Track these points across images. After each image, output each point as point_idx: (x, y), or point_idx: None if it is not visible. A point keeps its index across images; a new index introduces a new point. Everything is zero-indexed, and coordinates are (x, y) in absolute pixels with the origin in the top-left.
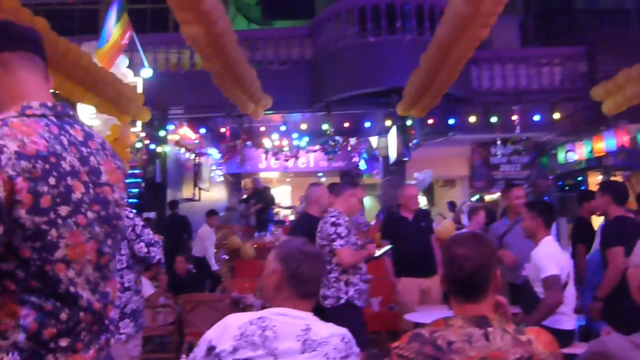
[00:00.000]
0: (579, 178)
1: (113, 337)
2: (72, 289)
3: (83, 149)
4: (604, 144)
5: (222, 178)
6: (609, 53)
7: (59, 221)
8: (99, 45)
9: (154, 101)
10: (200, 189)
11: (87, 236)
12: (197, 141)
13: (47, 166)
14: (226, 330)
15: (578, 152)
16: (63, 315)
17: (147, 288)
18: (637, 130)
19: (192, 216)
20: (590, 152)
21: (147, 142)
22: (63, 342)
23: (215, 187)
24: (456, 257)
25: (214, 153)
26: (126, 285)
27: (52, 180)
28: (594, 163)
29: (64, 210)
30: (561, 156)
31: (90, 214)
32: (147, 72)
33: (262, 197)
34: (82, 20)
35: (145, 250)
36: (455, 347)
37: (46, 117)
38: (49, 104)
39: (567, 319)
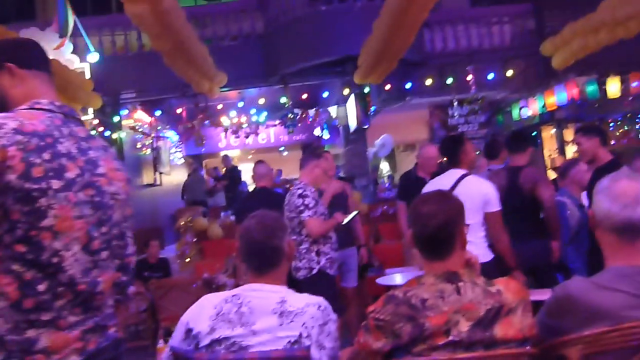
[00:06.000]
0: (534, 133)
1: (108, 324)
2: (55, 259)
3: (83, 143)
4: (555, 98)
5: (182, 160)
6: (554, 8)
7: (50, 192)
8: (60, 35)
9: (104, 86)
10: (160, 173)
11: (77, 214)
12: (152, 125)
13: (42, 143)
14: (202, 311)
15: (531, 108)
16: (41, 287)
17: None
18: (585, 83)
19: (154, 201)
20: (543, 106)
21: (100, 129)
22: (45, 316)
23: (176, 170)
24: (421, 215)
25: (172, 135)
26: None
27: (46, 156)
28: (547, 117)
29: (56, 183)
30: (515, 112)
31: (81, 195)
32: (93, 56)
33: (232, 175)
34: (18, 5)
35: None
36: (429, 304)
37: (52, 112)
38: (57, 103)
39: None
